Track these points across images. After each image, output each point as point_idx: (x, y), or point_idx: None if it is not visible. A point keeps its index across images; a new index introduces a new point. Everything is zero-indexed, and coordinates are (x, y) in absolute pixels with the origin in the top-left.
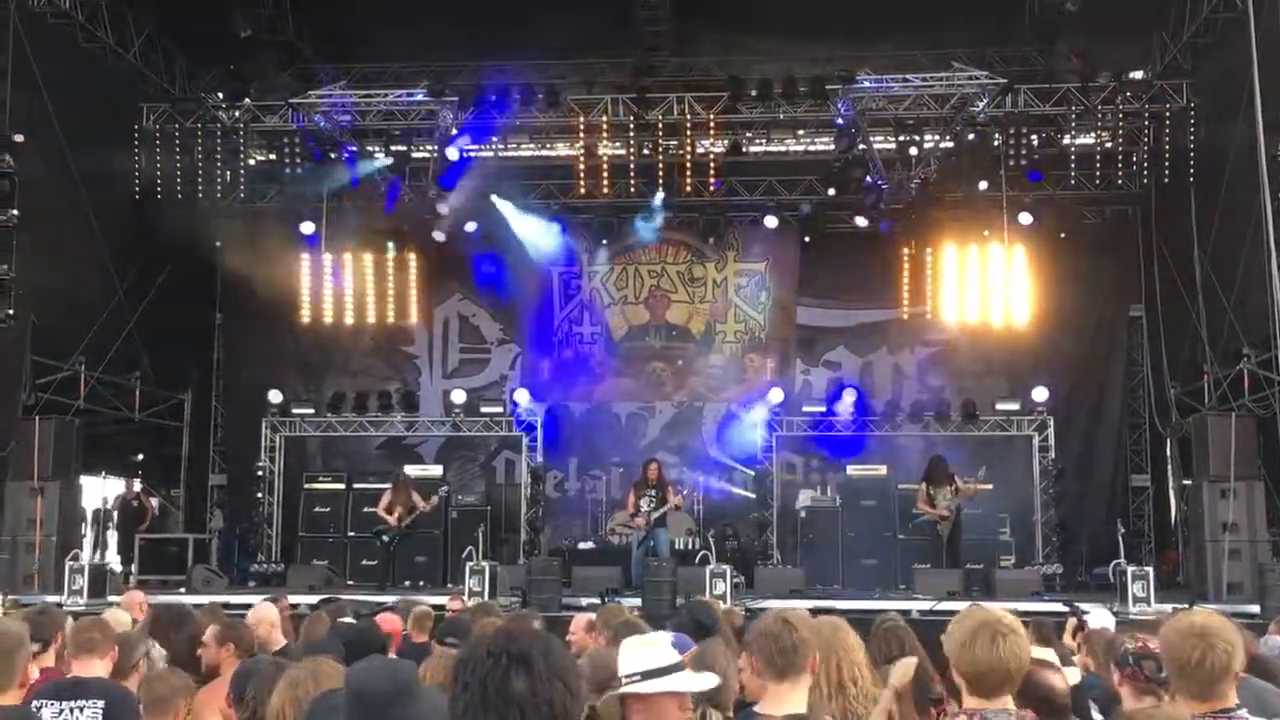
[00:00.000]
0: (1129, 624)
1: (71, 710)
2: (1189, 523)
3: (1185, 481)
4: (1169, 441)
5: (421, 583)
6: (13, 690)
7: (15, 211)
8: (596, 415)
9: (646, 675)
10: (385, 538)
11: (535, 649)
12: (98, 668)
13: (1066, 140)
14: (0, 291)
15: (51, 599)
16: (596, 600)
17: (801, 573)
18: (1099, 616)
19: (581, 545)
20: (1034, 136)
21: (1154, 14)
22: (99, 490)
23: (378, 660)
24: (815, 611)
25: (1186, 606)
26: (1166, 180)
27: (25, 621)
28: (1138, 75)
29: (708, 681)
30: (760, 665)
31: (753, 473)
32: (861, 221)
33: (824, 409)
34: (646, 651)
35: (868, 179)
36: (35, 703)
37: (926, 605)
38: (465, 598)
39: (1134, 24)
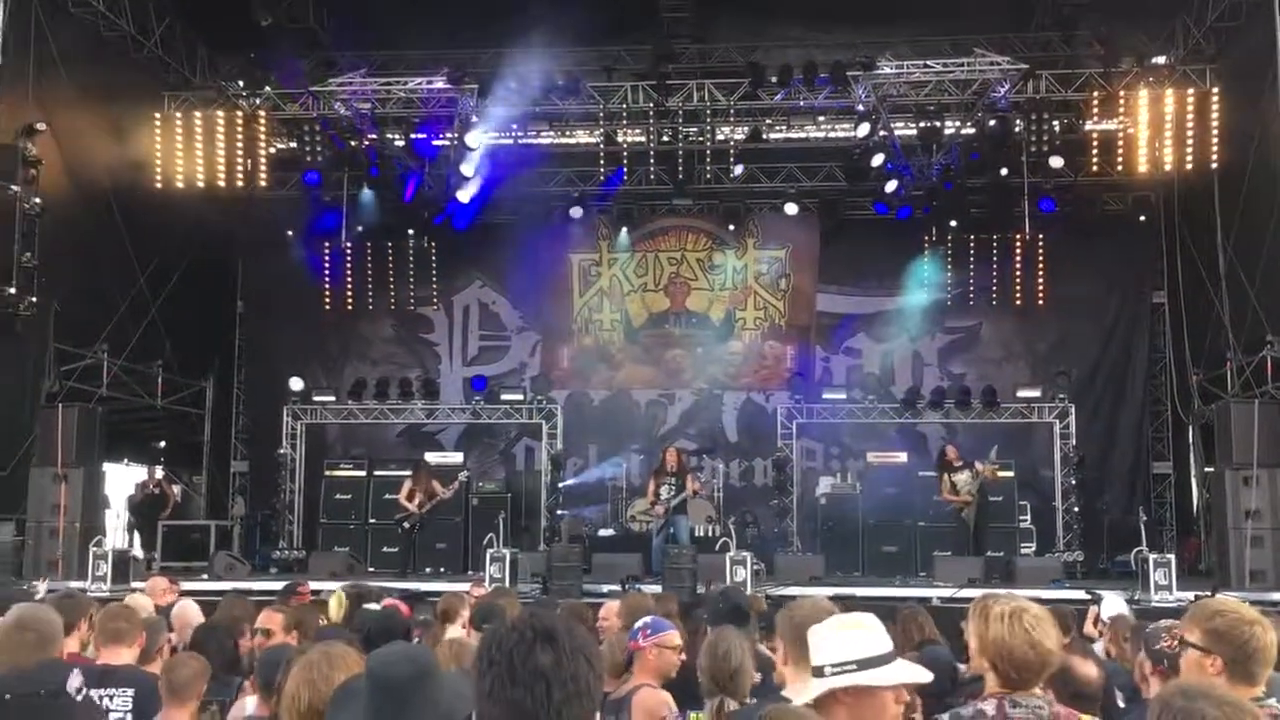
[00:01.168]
0: (1151, 612)
1: (100, 698)
2: (1211, 510)
3: (1207, 469)
4: (1191, 428)
5: (442, 569)
6: None
7: (38, 200)
8: (616, 402)
9: (864, 664)
10: (406, 524)
11: (560, 626)
12: (126, 655)
13: (1088, 126)
14: (24, 279)
15: (75, 584)
16: (617, 587)
17: (822, 559)
18: (1112, 603)
19: (602, 532)
20: (1055, 122)
21: None
22: (121, 477)
23: (398, 646)
24: (835, 599)
25: (1209, 594)
26: (1189, 166)
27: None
28: (1160, 60)
29: (926, 675)
30: (794, 654)
31: (772, 460)
32: (882, 208)
33: (844, 395)
34: (858, 636)
35: (889, 165)
36: None
37: (947, 592)
38: (486, 584)
39: (1156, 8)
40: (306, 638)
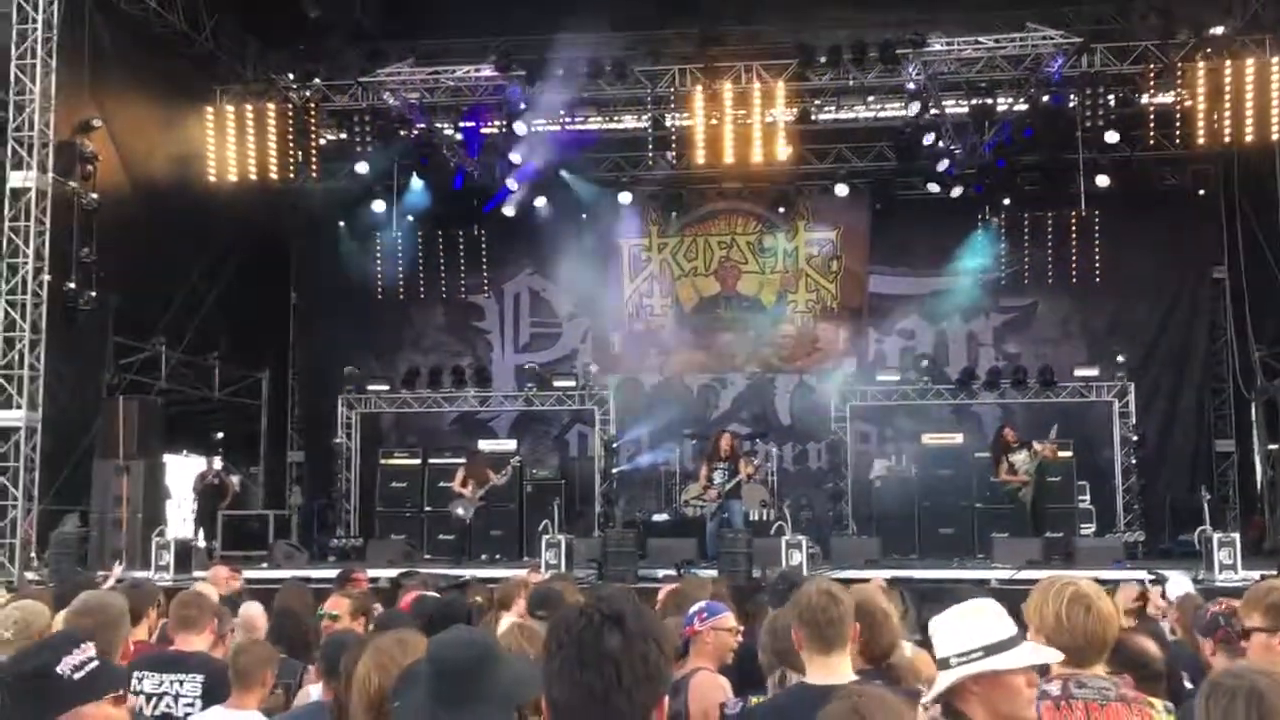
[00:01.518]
0: (1216, 592)
1: (171, 683)
2: (1275, 488)
3: (1271, 446)
4: (1254, 405)
5: (498, 556)
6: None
7: (95, 195)
8: (668, 388)
9: (990, 650)
10: (460, 512)
11: (627, 609)
12: (197, 642)
13: (1145, 99)
14: (82, 274)
15: (140, 574)
16: (673, 571)
17: (878, 542)
18: (1179, 583)
19: (656, 517)
20: (1111, 96)
21: None
22: (181, 468)
23: (457, 630)
24: (892, 581)
25: (1275, 573)
26: (1249, 138)
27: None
28: (1218, 31)
29: (1057, 654)
30: (806, 638)
31: (826, 443)
32: (934, 187)
33: (898, 377)
34: (980, 623)
35: (940, 144)
36: (135, 674)
37: (1006, 574)
38: (542, 570)
39: None
40: (371, 624)
